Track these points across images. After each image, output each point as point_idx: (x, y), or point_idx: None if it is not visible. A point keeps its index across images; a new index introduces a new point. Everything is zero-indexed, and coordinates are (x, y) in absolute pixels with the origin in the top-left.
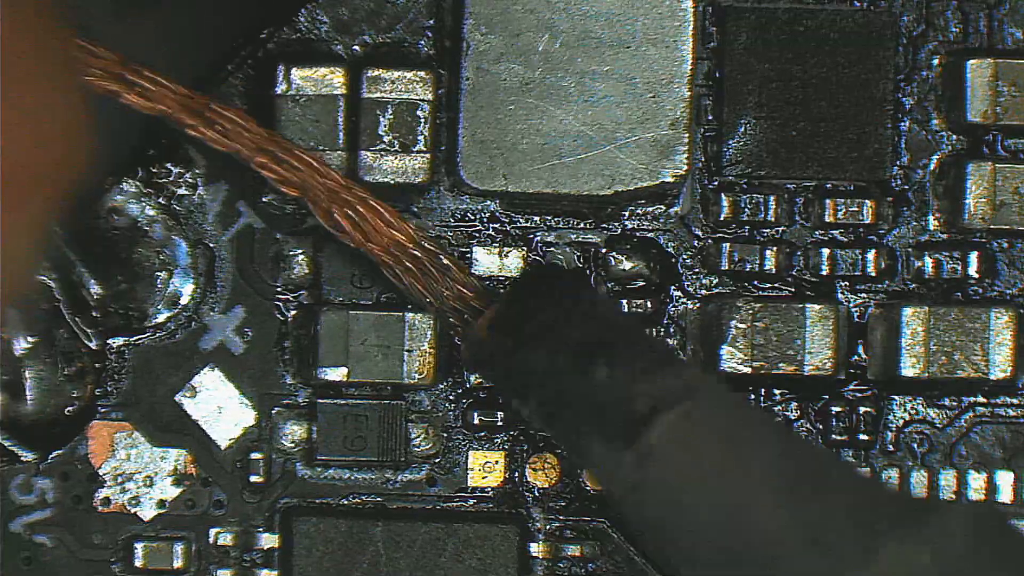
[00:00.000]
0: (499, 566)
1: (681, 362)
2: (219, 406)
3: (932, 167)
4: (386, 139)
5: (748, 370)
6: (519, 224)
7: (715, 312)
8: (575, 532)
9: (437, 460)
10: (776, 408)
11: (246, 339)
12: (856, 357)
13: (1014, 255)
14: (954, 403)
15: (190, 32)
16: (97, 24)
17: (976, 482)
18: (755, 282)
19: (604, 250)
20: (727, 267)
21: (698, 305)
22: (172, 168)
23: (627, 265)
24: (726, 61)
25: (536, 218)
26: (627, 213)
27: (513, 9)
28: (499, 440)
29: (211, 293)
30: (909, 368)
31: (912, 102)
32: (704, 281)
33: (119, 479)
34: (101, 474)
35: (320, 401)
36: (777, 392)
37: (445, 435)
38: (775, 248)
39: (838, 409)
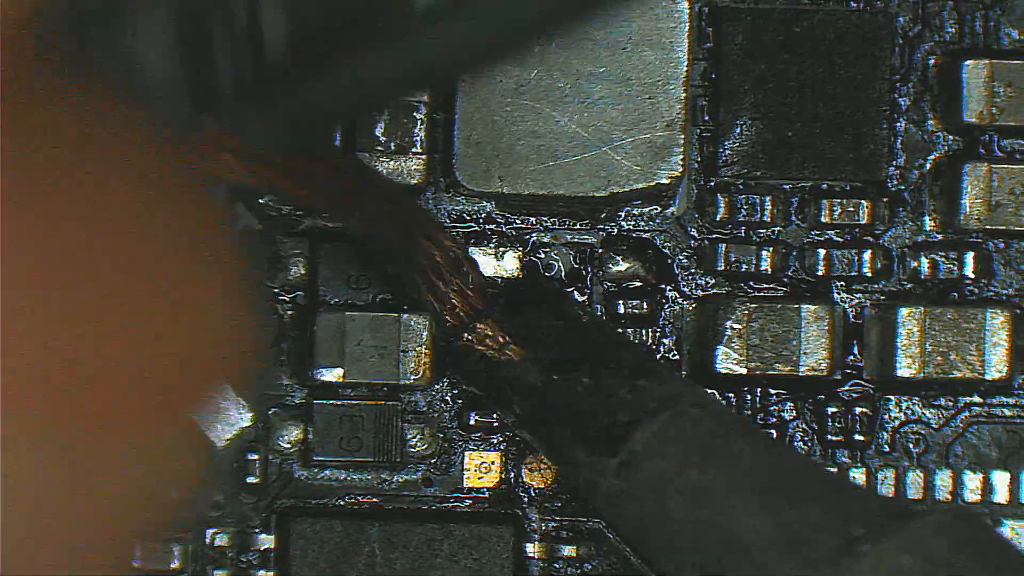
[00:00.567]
0: (495, 567)
1: (663, 370)
2: (215, 407)
3: (928, 167)
4: (383, 141)
5: (744, 371)
6: (515, 225)
7: (711, 313)
8: (571, 532)
9: (433, 461)
10: (772, 409)
11: None
12: (852, 357)
13: (1010, 255)
14: (950, 403)
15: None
16: None
17: (972, 482)
18: (751, 283)
19: (600, 251)
20: (723, 268)
21: (694, 306)
22: None
23: (623, 266)
24: (722, 62)
25: (532, 219)
26: (623, 214)
27: None
28: (495, 441)
29: None
30: (905, 368)
31: (908, 103)
32: (700, 282)
33: None
34: None
35: (316, 402)
36: (773, 392)
37: (441, 436)
38: (771, 249)
39: (834, 409)
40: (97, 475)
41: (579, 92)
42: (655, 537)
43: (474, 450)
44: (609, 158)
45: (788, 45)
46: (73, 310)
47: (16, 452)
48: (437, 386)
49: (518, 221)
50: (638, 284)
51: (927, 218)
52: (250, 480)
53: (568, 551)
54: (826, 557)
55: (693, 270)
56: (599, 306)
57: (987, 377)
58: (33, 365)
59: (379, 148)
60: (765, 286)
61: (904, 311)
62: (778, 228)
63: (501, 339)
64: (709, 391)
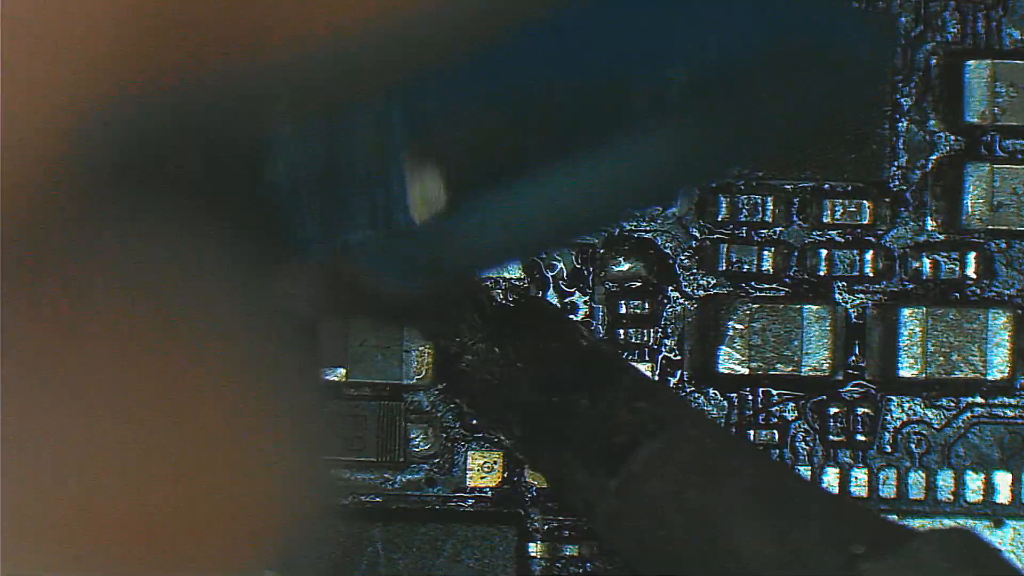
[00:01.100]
0: (498, 566)
1: (663, 392)
2: None
3: (930, 168)
4: None
5: (745, 371)
6: None
7: (712, 313)
8: (573, 532)
9: (436, 460)
10: (773, 409)
11: None
12: (854, 358)
13: (1012, 256)
14: (952, 404)
15: None
16: None
17: (974, 483)
18: (752, 283)
19: (601, 251)
20: (724, 268)
21: (695, 306)
22: None
23: (624, 266)
24: None
25: None
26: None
27: None
28: (498, 441)
29: None
30: (907, 369)
31: (910, 103)
32: (701, 282)
33: None
34: None
35: None
36: (774, 393)
37: (444, 435)
38: (773, 249)
39: (836, 410)
40: None
41: None
42: (655, 558)
43: (477, 450)
44: None
45: None
46: (106, 446)
47: None
48: (440, 386)
49: None
50: (639, 284)
51: (929, 218)
52: None
53: (571, 551)
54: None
55: (694, 270)
56: (601, 307)
57: (989, 378)
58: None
59: None
60: (767, 286)
61: (906, 311)
62: (780, 228)
63: (498, 359)
64: (712, 392)
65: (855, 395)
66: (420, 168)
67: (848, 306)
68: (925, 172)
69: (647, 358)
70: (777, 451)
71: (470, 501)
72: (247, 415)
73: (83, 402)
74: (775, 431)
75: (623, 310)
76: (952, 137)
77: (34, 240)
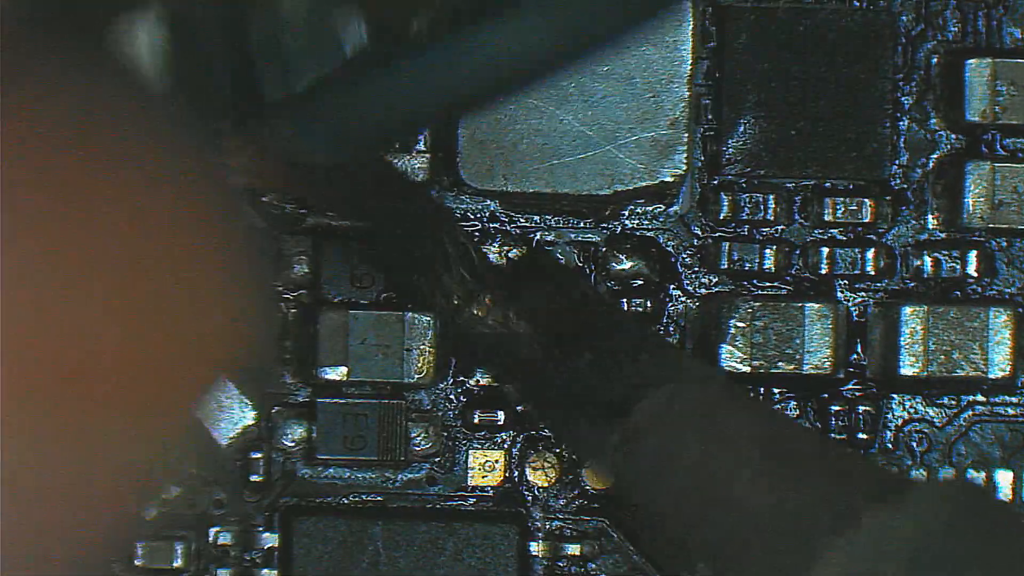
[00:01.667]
0: (499, 565)
1: (665, 346)
2: (219, 405)
3: (931, 166)
4: None
5: (747, 369)
6: (519, 223)
7: (714, 311)
8: (575, 531)
9: (437, 459)
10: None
11: None
12: (855, 356)
13: (1013, 254)
14: (953, 402)
15: None
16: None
17: (975, 481)
18: (754, 281)
19: (604, 249)
20: (726, 266)
21: (697, 304)
22: None
23: (627, 264)
24: (725, 61)
25: (536, 218)
26: (627, 212)
27: None
28: (499, 439)
29: None
30: (908, 367)
31: (911, 101)
32: (703, 280)
33: None
34: None
35: (320, 400)
36: (776, 391)
37: (445, 434)
38: (774, 247)
39: (837, 408)
40: (97, 465)
41: (583, 90)
42: (658, 510)
43: (478, 449)
44: (613, 156)
45: (791, 44)
46: (75, 301)
47: (16, 440)
48: (441, 384)
49: (522, 219)
50: (642, 282)
51: (930, 217)
52: (254, 478)
53: (572, 550)
54: (828, 527)
55: (697, 268)
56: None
57: (990, 376)
58: (34, 355)
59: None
60: (768, 284)
61: (907, 310)
62: (781, 226)
63: (504, 314)
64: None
65: (856, 393)
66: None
67: (849, 304)
68: (926, 170)
69: None
70: None
71: (471, 500)
72: (199, 263)
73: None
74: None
75: (625, 308)
76: (953, 136)
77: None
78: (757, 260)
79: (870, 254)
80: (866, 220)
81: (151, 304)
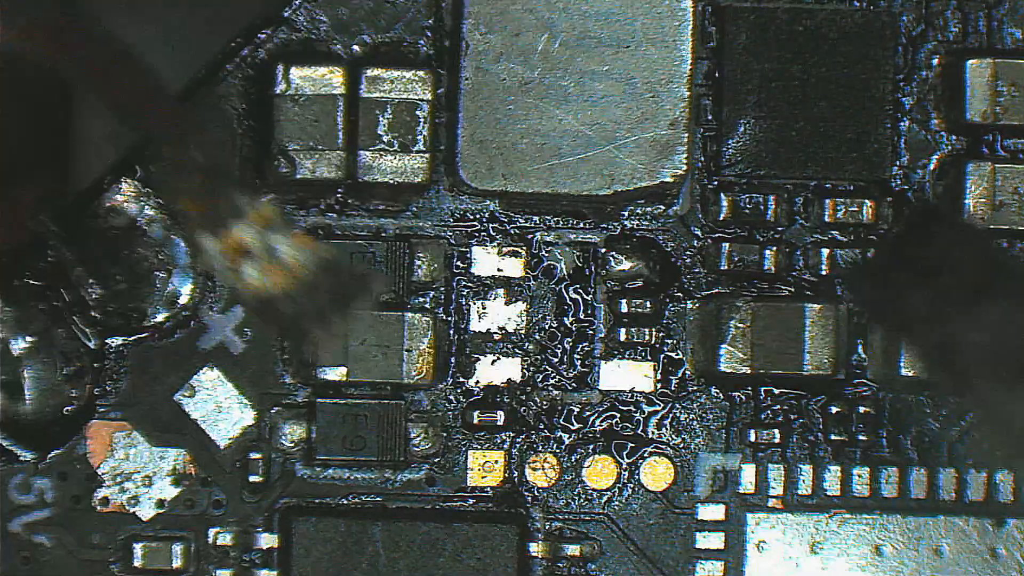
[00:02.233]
0: (498, 566)
1: None
2: (218, 406)
3: (932, 167)
4: (385, 139)
5: (747, 370)
6: (519, 224)
7: (714, 312)
8: (574, 532)
9: (436, 460)
10: (775, 408)
11: (245, 339)
12: (856, 357)
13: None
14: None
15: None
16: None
17: (976, 481)
18: (755, 282)
19: (603, 250)
20: (726, 267)
21: (697, 305)
22: None
23: (626, 265)
24: (725, 61)
25: (535, 218)
26: (626, 213)
27: (512, 9)
28: (499, 440)
29: (210, 293)
30: (909, 367)
31: (911, 102)
32: (703, 281)
33: (118, 479)
34: (100, 474)
35: (319, 401)
36: (777, 392)
37: (444, 435)
38: (775, 248)
39: (838, 409)
40: None
41: (583, 91)
42: None
43: (478, 449)
44: (613, 157)
45: (791, 44)
46: None
47: None
48: (440, 385)
49: (521, 220)
50: (642, 283)
51: None
52: (253, 479)
53: (571, 550)
54: None
55: (697, 269)
56: (602, 306)
57: None
58: None
59: (382, 146)
60: (769, 285)
61: None
62: (782, 227)
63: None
64: (713, 391)
65: (857, 394)
66: None
67: (850, 305)
68: (927, 171)
69: (648, 357)
70: (778, 450)
71: (471, 500)
72: None
73: None
74: (776, 430)
75: (625, 309)
76: (954, 136)
77: None
78: (757, 261)
79: (871, 255)
80: (867, 221)
81: None
